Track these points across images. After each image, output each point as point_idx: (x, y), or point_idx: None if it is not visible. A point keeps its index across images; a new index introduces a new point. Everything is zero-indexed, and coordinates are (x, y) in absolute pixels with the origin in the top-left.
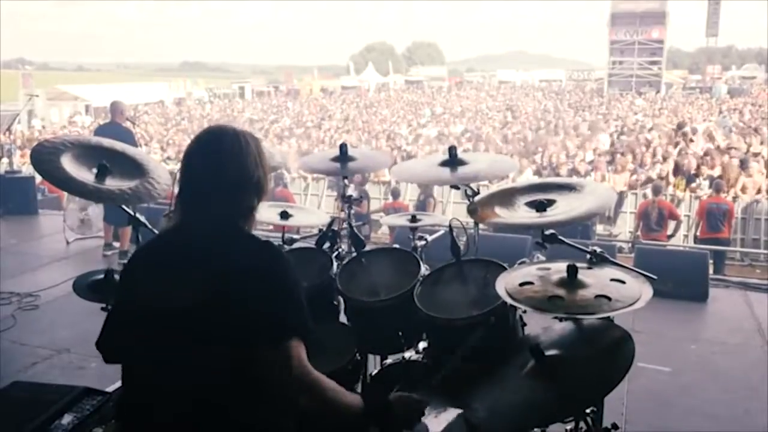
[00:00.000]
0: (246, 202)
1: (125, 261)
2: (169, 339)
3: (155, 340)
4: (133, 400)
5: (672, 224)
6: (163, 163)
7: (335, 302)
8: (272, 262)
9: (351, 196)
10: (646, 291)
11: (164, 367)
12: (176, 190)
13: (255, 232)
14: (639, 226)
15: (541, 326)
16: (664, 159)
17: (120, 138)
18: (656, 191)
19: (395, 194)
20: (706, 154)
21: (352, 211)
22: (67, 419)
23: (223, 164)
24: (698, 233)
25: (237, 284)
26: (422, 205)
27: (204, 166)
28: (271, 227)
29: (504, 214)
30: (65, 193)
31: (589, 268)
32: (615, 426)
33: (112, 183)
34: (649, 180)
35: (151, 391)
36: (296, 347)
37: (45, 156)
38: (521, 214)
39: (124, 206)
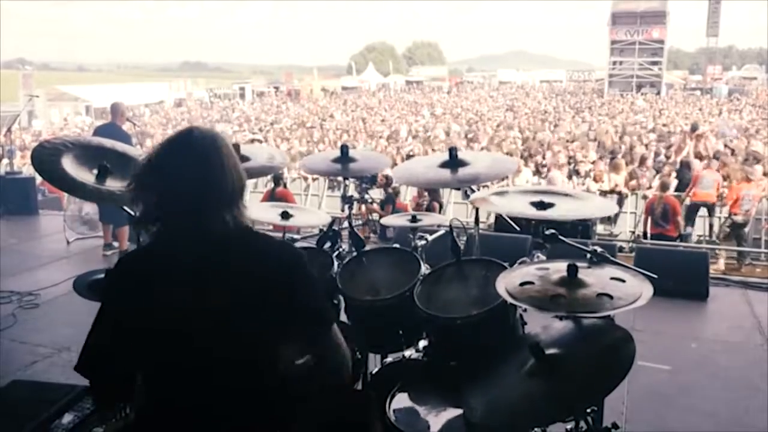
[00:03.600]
0: (236, 205)
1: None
2: (203, 347)
3: (183, 350)
4: (165, 405)
5: (678, 221)
6: None
7: (336, 301)
8: (298, 259)
9: (352, 196)
10: (647, 289)
11: (197, 376)
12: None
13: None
14: (647, 221)
15: (540, 325)
16: (668, 158)
17: (117, 139)
18: (664, 187)
19: (395, 194)
20: (715, 157)
21: (353, 212)
22: (67, 418)
23: (212, 177)
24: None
25: (273, 284)
26: (429, 209)
27: (190, 179)
28: (271, 227)
29: (502, 204)
30: (65, 194)
31: (589, 267)
32: (615, 425)
33: (112, 183)
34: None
35: (188, 396)
36: (335, 330)
37: (46, 157)
38: (521, 204)
39: (124, 207)
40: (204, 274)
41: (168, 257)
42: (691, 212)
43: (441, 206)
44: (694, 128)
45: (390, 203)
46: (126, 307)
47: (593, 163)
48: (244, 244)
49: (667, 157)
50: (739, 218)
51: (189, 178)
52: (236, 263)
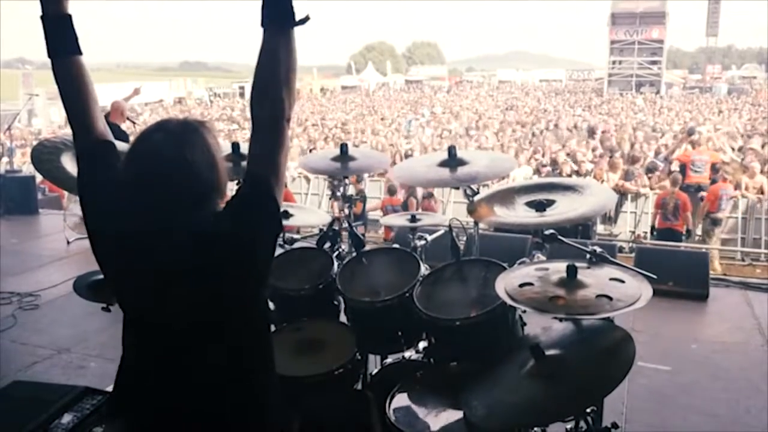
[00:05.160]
0: (208, 208)
1: None
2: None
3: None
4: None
5: (688, 216)
6: None
7: (335, 302)
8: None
9: (351, 195)
10: (646, 290)
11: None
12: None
13: None
14: (656, 215)
15: (540, 326)
16: (667, 161)
17: (115, 137)
18: (674, 182)
19: (391, 191)
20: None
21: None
22: (66, 419)
23: (173, 185)
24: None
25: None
26: (405, 206)
27: (152, 190)
28: None
29: (503, 214)
30: (66, 193)
31: (589, 267)
32: (615, 425)
33: None
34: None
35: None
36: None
37: (45, 155)
38: (520, 213)
39: None
40: (166, 274)
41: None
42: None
43: (417, 202)
44: (690, 132)
45: (361, 201)
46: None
47: (594, 162)
48: (208, 243)
49: (668, 162)
50: (719, 215)
51: (150, 192)
52: (200, 266)
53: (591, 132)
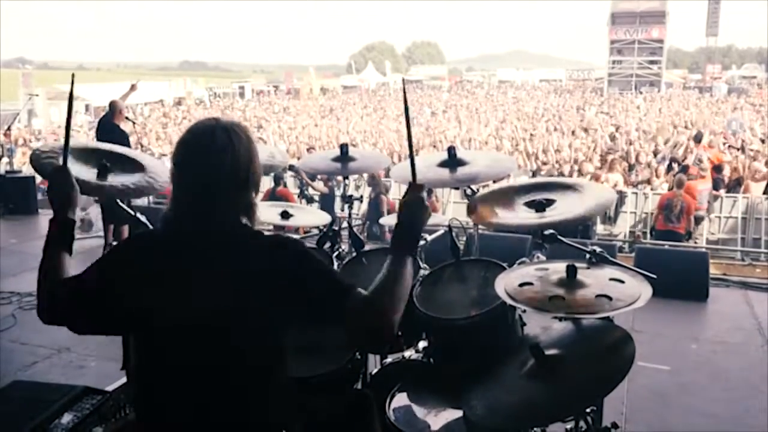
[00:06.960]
0: (244, 199)
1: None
2: (198, 343)
3: (180, 345)
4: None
5: (691, 219)
6: (164, 156)
7: None
8: (302, 252)
9: (351, 195)
10: (646, 290)
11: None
12: (171, 188)
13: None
14: (658, 216)
15: (540, 325)
16: (674, 161)
17: (115, 137)
18: (680, 184)
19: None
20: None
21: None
22: (66, 418)
23: (217, 164)
24: None
25: (266, 287)
26: (375, 204)
27: (198, 167)
28: (271, 227)
29: (502, 214)
30: None
31: (588, 268)
32: (615, 425)
33: (113, 180)
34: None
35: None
36: (351, 305)
37: (45, 159)
38: (519, 214)
39: (123, 205)
40: (200, 271)
41: (170, 246)
42: None
43: (388, 202)
44: (697, 139)
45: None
46: (119, 277)
47: (593, 161)
48: (245, 243)
49: (674, 160)
50: (699, 213)
51: (195, 171)
52: (236, 262)
53: (591, 132)
